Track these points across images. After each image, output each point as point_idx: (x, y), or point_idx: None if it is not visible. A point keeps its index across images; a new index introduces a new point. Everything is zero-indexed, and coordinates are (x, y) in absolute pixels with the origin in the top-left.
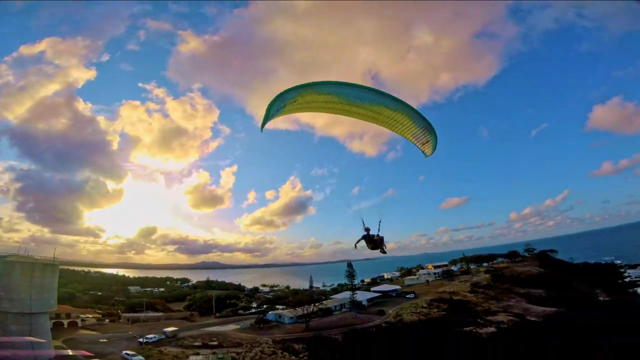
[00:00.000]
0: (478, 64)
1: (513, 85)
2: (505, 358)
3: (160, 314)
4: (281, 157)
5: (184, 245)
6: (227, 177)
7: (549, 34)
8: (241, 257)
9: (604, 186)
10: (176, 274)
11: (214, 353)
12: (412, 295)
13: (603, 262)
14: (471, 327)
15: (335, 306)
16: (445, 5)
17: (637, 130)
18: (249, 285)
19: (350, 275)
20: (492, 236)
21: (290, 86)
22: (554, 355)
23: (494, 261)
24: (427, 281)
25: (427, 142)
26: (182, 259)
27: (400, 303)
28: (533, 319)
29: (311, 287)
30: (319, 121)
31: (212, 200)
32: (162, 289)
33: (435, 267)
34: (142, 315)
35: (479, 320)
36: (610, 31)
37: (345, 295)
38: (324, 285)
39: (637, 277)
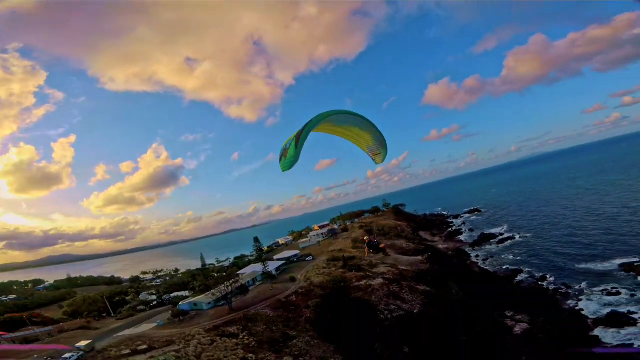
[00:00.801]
0: (351, 40)
1: (375, 62)
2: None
3: (50, 327)
4: (138, 123)
5: (16, 240)
6: (63, 150)
7: (410, 18)
8: (100, 245)
9: (432, 148)
10: (18, 275)
11: (151, 358)
12: (310, 258)
13: (436, 213)
14: (365, 281)
15: (248, 282)
16: None
17: (455, 106)
18: (124, 276)
19: (259, 250)
20: (356, 192)
21: (152, 45)
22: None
23: (363, 216)
24: (319, 242)
25: (378, 154)
26: (19, 256)
27: (304, 267)
28: (403, 267)
29: (204, 265)
30: (189, 84)
31: (44, 180)
32: (13, 296)
33: (320, 227)
34: (29, 333)
35: (368, 273)
36: (455, 20)
37: (254, 268)
38: (218, 262)
39: (459, 226)
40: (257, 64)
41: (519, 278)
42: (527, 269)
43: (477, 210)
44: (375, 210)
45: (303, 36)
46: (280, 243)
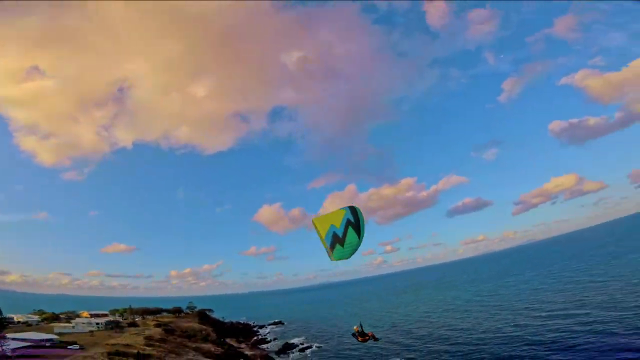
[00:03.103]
0: (218, 136)
1: (227, 167)
2: None
3: None
4: None
5: None
6: None
7: (278, 141)
8: None
9: (247, 262)
10: None
11: None
12: (76, 347)
13: (242, 321)
14: None
15: None
16: None
17: (277, 230)
18: None
19: None
20: (149, 288)
21: None
22: None
23: (159, 314)
24: (91, 332)
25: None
26: None
27: (64, 357)
28: None
29: None
30: None
31: None
32: None
33: (93, 315)
34: None
35: None
36: (306, 156)
37: None
38: None
39: (265, 335)
40: (104, 108)
41: None
42: None
43: (280, 322)
44: (176, 311)
45: (174, 108)
46: (16, 320)
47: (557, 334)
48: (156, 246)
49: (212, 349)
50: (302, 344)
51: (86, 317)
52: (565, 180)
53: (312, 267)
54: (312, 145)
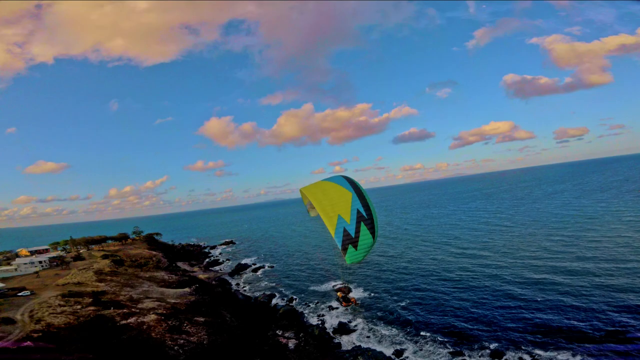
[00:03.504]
0: (159, 47)
1: (170, 79)
2: None
3: None
4: None
5: None
6: None
7: (232, 53)
8: None
9: (194, 178)
10: None
11: None
12: (27, 292)
13: (192, 243)
14: (134, 318)
15: None
16: None
17: (227, 144)
18: None
19: None
20: (88, 211)
21: None
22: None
23: (104, 243)
24: (36, 272)
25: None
26: None
27: (18, 304)
28: (172, 300)
29: None
30: None
31: None
32: None
33: (33, 252)
34: None
35: (133, 310)
36: (264, 70)
37: None
38: None
39: (217, 256)
40: (16, 26)
41: (274, 301)
42: (278, 293)
43: (231, 242)
44: (122, 237)
45: (106, 20)
46: None
47: (462, 273)
48: (90, 163)
49: (166, 277)
50: (254, 264)
51: (27, 256)
52: (502, 125)
53: (263, 183)
54: (269, 62)
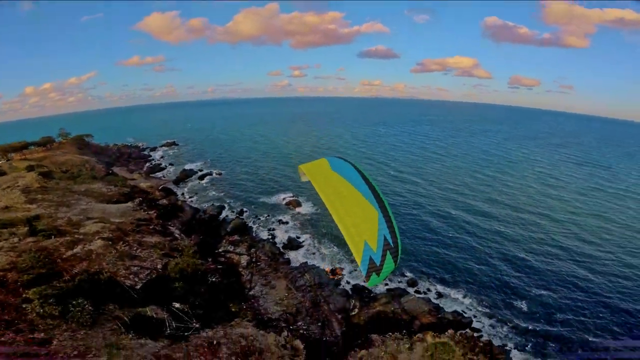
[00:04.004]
0: None
1: None
2: None
3: None
4: None
5: None
6: None
7: None
8: None
9: (128, 74)
10: None
11: None
12: None
13: (129, 144)
14: (80, 246)
15: None
16: None
17: (170, 39)
18: None
19: None
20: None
21: None
22: None
23: (26, 150)
24: None
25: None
26: None
27: None
28: (117, 220)
29: None
30: None
31: None
32: None
33: None
34: None
35: (77, 236)
36: None
37: None
38: None
39: (159, 160)
40: None
41: (224, 214)
42: (227, 205)
43: (174, 143)
44: (47, 142)
45: None
46: None
47: (395, 197)
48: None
49: (105, 189)
50: (201, 171)
51: None
52: (466, 60)
53: (210, 81)
54: None
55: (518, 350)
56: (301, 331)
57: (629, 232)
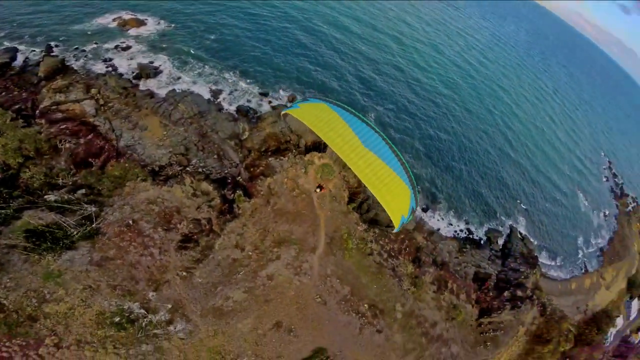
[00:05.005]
0: None
1: None
2: None
3: None
4: None
5: None
6: None
7: None
8: None
9: None
10: None
11: None
12: None
13: None
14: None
15: None
16: None
17: None
18: None
19: None
20: None
21: None
22: None
23: None
24: None
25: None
26: None
27: None
28: None
29: None
30: None
31: None
32: None
33: None
34: None
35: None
36: None
37: None
38: None
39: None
40: None
41: (20, 58)
42: (17, 43)
43: None
44: None
45: None
46: None
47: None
48: None
49: None
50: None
51: None
52: None
53: None
54: None
55: None
56: (200, 170)
57: (450, 65)
